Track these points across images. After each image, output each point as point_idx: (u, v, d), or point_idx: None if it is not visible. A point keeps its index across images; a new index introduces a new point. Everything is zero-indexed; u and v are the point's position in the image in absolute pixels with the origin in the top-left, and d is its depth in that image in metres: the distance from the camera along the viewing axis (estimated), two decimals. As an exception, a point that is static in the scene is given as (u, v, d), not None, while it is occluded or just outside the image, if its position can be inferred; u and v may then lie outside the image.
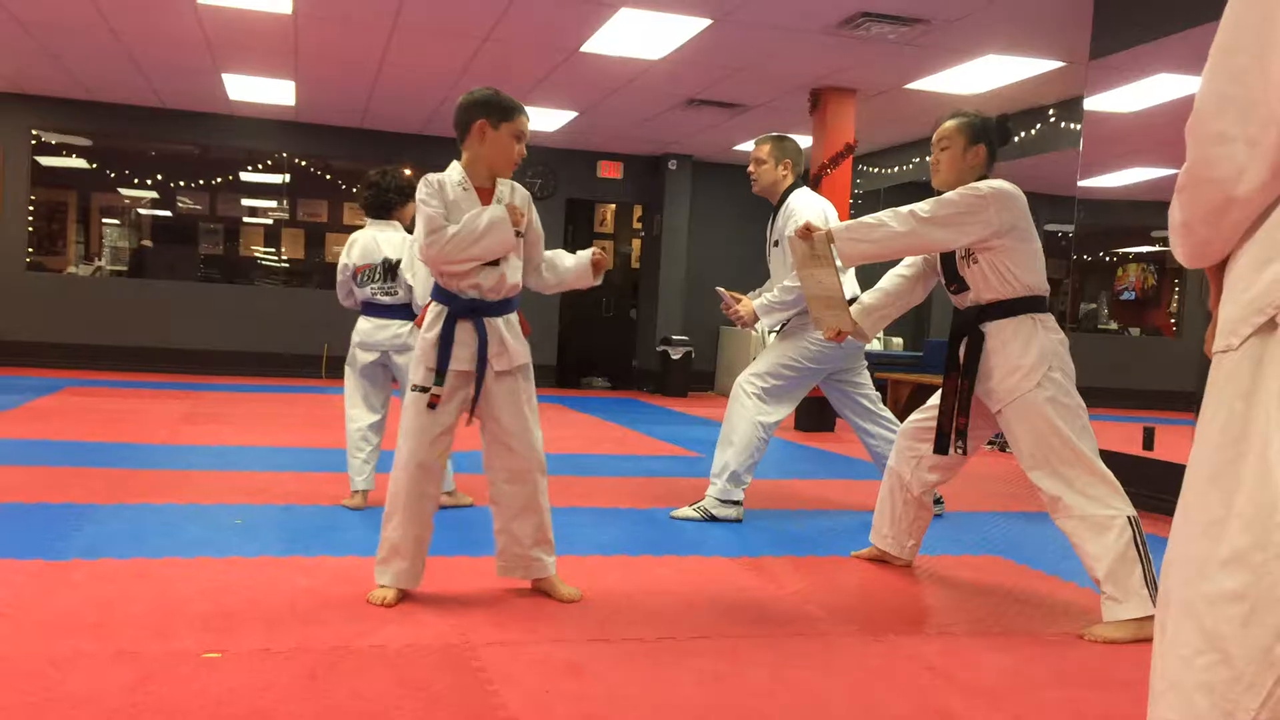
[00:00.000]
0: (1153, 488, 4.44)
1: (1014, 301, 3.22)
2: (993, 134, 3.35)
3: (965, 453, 3.37)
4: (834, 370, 4.61)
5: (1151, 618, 2.60)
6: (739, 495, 4.43)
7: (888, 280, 3.67)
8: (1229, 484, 1.37)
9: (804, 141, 9.35)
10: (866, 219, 3.26)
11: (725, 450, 4.45)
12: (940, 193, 3.29)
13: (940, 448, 3.38)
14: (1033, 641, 2.93)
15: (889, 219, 3.21)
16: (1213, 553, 1.38)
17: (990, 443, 4.07)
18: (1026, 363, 3.15)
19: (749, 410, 4.43)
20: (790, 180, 4.60)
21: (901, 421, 3.77)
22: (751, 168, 4.65)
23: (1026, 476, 3.20)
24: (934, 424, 3.42)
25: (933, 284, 3.63)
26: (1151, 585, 2.89)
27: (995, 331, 3.24)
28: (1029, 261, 3.22)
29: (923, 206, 3.20)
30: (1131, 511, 3.04)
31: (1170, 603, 1.46)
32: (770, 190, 4.63)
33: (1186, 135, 1.38)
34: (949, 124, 3.36)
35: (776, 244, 4.63)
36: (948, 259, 3.38)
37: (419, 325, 3.09)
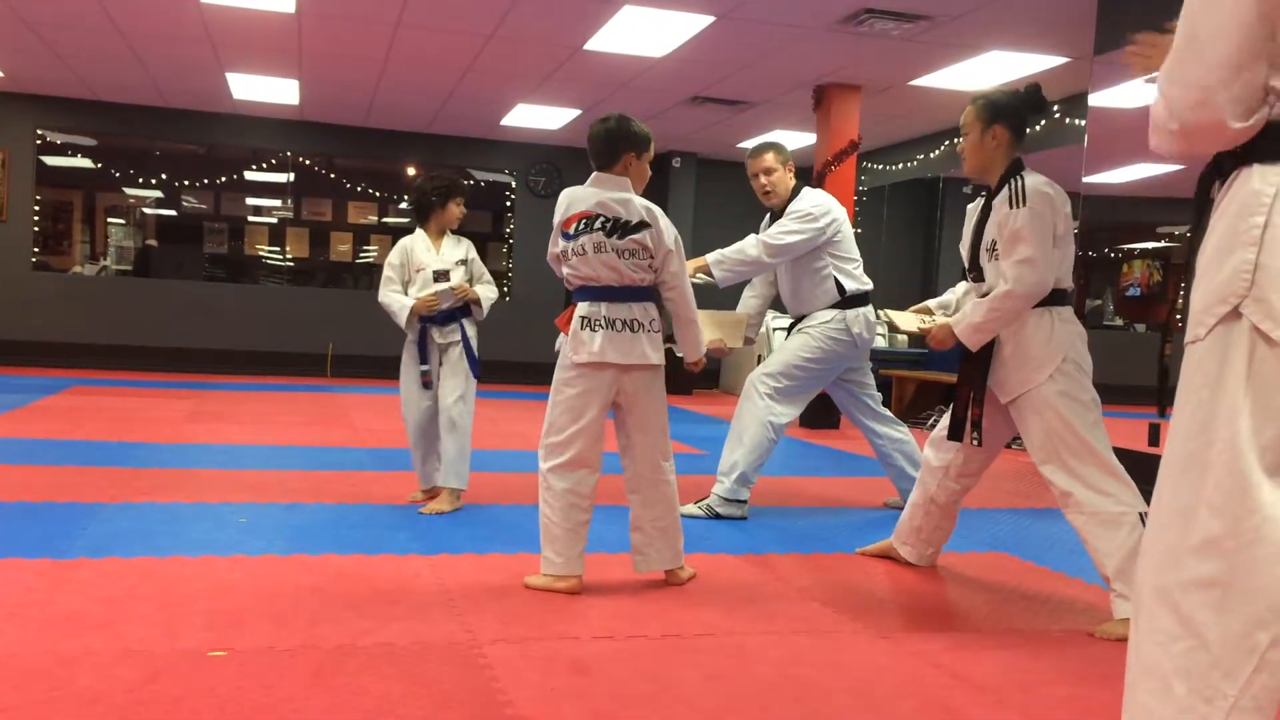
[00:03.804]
0: (1159, 484, 4.42)
1: None
2: (1009, 111, 3.23)
3: (980, 443, 3.33)
4: (843, 370, 4.59)
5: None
6: (745, 494, 4.43)
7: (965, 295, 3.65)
8: (1198, 471, 1.40)
9: (809, 139, 9.34)
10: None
11: (735, 449, 4.44)
12: (968, 180, 3.29)
13: (954, 434, 3.36)
14: (1040, 638, 2.93)
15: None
16: (1184, 539, 1.40)
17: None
18: (1040, 354, 3.12)
19: (760, 410, 4.41)
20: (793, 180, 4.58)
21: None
22: (763, 180, 4.48)
23: (1037, 472, 3.18)
24: None
25: None
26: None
27: None
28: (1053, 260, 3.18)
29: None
30: (1143, 508, 3.00)
31: (1144, 591, 1.47)
32: (787, 197, 4.52)
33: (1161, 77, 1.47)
34: (967, 109, 3.30)
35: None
36: (972, 248, 3.35)
37: None
